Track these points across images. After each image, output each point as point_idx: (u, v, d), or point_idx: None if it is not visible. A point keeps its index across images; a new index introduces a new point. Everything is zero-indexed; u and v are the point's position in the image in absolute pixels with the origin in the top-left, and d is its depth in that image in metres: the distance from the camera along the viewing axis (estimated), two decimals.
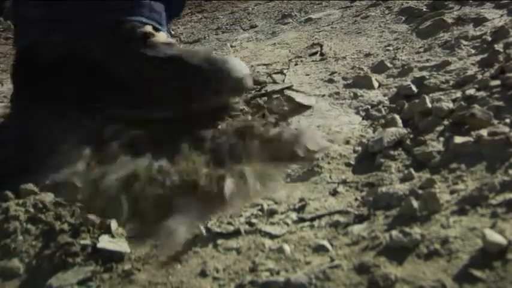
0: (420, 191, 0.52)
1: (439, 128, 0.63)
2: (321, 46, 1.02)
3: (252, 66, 0.98)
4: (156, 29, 0.84)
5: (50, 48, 0.80)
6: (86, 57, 0.80)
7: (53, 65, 0.80)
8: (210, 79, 0.76)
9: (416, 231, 0.46)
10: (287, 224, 0.54)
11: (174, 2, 0.93)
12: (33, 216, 0.60)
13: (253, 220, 0.56)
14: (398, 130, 0.65)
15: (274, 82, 0.88)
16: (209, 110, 0.78)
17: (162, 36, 0.83)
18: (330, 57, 0.96)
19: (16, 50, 0.87)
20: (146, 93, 0.77)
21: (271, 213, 0.57)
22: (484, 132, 0.57)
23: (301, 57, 1.00)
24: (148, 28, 0.82)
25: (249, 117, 0.77)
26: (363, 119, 0.73)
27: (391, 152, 0.62)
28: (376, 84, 0.81)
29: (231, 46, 1.22)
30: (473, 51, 0.81)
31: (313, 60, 0.97)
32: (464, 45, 0.83)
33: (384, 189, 0.55)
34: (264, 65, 0.99)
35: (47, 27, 0.81)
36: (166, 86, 0.76)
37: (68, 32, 0.80)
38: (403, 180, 0.56)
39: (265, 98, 0.83)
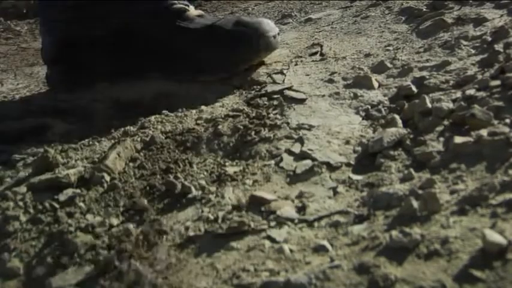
0: (420, 191, 0.52)
1: (439, 128, 0.63)
2: (321, 46, 1.02)
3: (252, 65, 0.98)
4: (187, 5, 0.98)
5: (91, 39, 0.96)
6: (132, 40, 0.96)
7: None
8: (250, 40, 0.92)
9: (416, 231, 0.46)
10: (287, 224, 0.54)
11: None
12: (33, 217, 0.61)
13: (254, 220, 0.56)
14: (398, 130, 0.65)
15: (274, 82, 0.88)
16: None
17: (193, 10, 0.98)
18: (330, 57, 0.96)
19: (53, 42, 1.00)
20: (194, 60, 0.94)
21: (271, 213, 0.57)
22: (484, 132, 0.57)
23: (301, 57, 1.00)
24: (181, 5, 0.97)
25: (249, 118, 0.77)
26: (363, 119, 0.73)
27: (391, 152, 0.62)
28: (376, 84, 0.81)
29: None
30: (473, 51, 0.81)
31: (313, 60, 0.97)
32: (464, 45, 0.83)
33: (384, 189, 0.55)
34: (264, 65, 0.99)
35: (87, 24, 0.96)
36: (212, 52, 0.93)
37: (108, 27, 0.95)
38: (403, 180, 0.56)
39: (265, 98, 0.83)
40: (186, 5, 0.98)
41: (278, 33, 0.96)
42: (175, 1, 0.97)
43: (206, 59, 0.93)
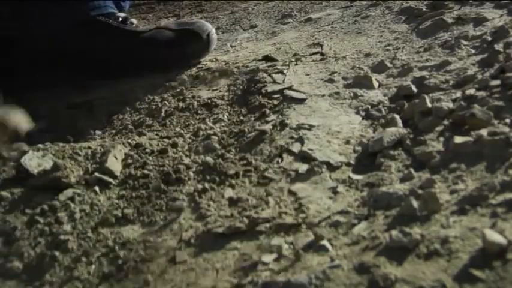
0: (420, 191, 0.52)
1: (439, 128, 0.63)
2: (321, 46, 1.02)
3: (252, 65, 0.98)
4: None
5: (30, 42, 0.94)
6: (67, 49, 0.96)
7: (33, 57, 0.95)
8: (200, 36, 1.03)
9: (416, 231, 0.46)
10: (287, 224, 0.54)
11: None
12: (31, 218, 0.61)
13: (254, 220, 0.56)
14: (398, 130, 0.65)
15: (274, 82, 0.88)
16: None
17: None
18: (330, 57, 0.95)
19: None
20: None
21: (271, 213, 0.57)
22: (484, 132, 0.57)
23: (301, 56, 1.00)
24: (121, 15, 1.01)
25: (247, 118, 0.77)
26: (363, 119, 0.73)
27: (391, 152, 0.62)
28: (376, 84, 0.81)
29: (231, 46, 1.22)
30: (473, 51, 0.81)
31: (313, 60, 0.97)
32: (464, 45, 0.83)
33: (384, 189, 0.55)
34: (264, 64, 0.98)
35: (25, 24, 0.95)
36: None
37: (49, 27, 0.95)
38: (403, 180, 0.56)
39: (266, 98, 0.83)
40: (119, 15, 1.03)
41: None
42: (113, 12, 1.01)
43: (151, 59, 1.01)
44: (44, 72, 0.95)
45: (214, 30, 1.07)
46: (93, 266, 0.54)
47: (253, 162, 0.66)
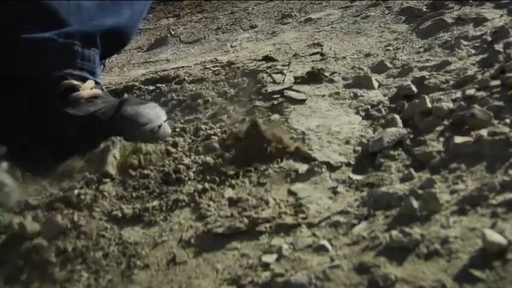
0: (420, 191, 0.52)
1: (439, 128, 0.63)
2: (321, 46, 1.02)
3: (252, 66, 0.98)
4: (85, 79, 0.82)
5: None
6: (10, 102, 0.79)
7: None
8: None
9: (416, 231, 0.46)
10: (287, 224, 0.54)
11: (117, 36, 0.90)
12: None
13: (254, 220, 0.56)
14: (398, 130, 0.65)
15: (274, 82, 0.88)
16: None
17: (87, 88, 0.81)
18: (330, 57, 0.96)
19: None
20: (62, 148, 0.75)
21: (271, 213, 0.57)
22: (484, 132, 0.57)
23: (301, 57, 1.00)
24: (74, 81, 0.80)
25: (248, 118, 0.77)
26: (363, 119, 0.73)
27: (391, 152, 0.62)
28: (376, 84, 0.81)
29: (231, 46, 1.22)
30: (473, 51, 0.81)
31: (313, 60, 0.97)
32: (464, 45, 0.83)
33: (384, 189, 0.55)
34: (264, 65, 0.98)
35: None
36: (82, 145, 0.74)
37: None
38: (403, 180, 0.56)
39: (265, 98, 0.83)
40: (82, 78, 0.82)
41: (165, 120, 0.79)
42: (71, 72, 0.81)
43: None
44: None
45: (154, 123, 0.78)
46: (93, 267, 0.54)
47: (253, 162, 0.66)
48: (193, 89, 0.94)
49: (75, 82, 0.80)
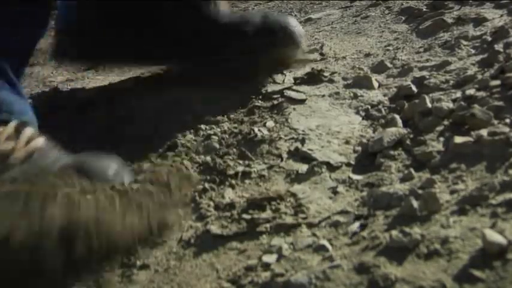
0: (420, 191, 0.52)
1: (439, 128, 0.63)
2: (321, 46, 1.02)
3: None
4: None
5: None
6: None
7: None
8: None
9: (416, 231, 0.46)
10: (287, 224, 0.54)
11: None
12: None
13: (254, 220, 0.56)
14: (398, 130, 0.65)
15: (274, 82, 0.88)
16: None
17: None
18: (330, 57, 0.95)
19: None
20: None
21: (271, 213, 0.57)
22: (484, 132, 0.57)
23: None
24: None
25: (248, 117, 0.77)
26: (363, 119, 0.73)
27: (391, 152, 0.62)
28: (376, 84, 0.81)
29: None
30: (473, 51, 0.81)
31: (313, 60, 0.96)
32: (464, 45, 0.83)
33: (384, 189, 0.55)
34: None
35: None
36: None
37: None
38: (403, 180, 0.56)
39: (265, 98, 0.83)
40: None
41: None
42: None
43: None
44: None
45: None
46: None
47: (253, 162, 0.66)
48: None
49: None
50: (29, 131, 0.58)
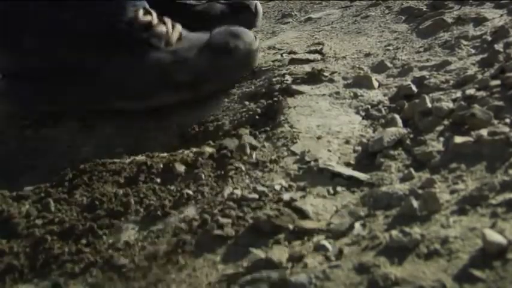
0: (420, 191, 0.52)
1: (439, 128, 0.63)
2: (321, 46, 1.02)
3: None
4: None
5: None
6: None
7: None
8: None
9: (416, 231, 0.46)
10: (287, 224, 0.54)
11: None
12: None
13: (253, 220, 0.56)
14: (398, 130, 0.65)
15: (274, 82, 0.88)
16: None
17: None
18: (330, 57, 0.95)
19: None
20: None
21: (271, 213, 0.57)
22: (484, 132, 0.57)
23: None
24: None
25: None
26: (363, 118, 0.73)
27: (391, 152, 0.62)
28: (376, 84, 0.81)
29: None
30: (473, 51, 0.81)
31: (313, 60, 0.96)
32: (464, 45, 0.83)
33: (384, 189, 0.55)
34: (264, 64, 0.98)
35: None
36: None
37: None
38: (403, 180, 0.56)
39: (265, 97, 0.83)
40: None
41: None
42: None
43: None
44: None
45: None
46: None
47: (254, 162, 0.66)
48: None
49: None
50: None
